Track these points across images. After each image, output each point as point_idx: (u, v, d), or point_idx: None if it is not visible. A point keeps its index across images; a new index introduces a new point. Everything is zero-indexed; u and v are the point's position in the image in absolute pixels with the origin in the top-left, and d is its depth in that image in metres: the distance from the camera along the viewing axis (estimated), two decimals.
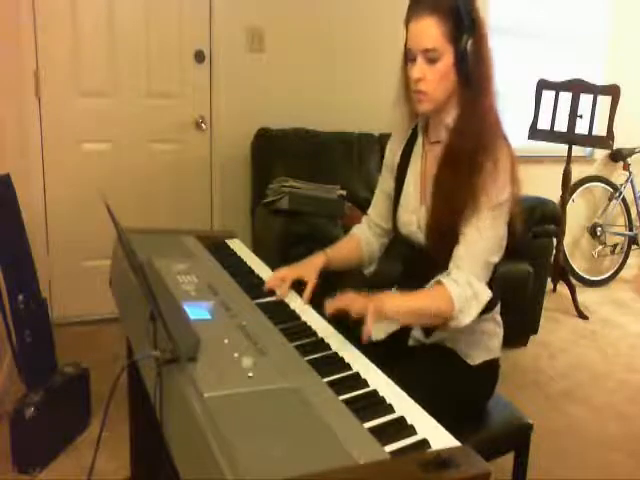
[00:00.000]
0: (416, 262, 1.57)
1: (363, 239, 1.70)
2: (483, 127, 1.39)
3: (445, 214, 1.42)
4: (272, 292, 1.47)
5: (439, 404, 1.03)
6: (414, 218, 1.53)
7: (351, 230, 1.75)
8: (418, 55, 1.37)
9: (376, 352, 1.23)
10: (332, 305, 1.27)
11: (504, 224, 1.41)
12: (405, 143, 1.60)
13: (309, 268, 1.55)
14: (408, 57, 1.41)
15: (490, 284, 1.54)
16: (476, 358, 1.51)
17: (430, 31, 1.35)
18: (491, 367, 1.55)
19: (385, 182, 1.67)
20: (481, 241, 1.37)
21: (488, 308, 1.54)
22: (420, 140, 1.56)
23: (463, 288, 1.34)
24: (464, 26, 1.34)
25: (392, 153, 1.64)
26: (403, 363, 1.40)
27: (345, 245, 1.70)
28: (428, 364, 1.49)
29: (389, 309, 1.30)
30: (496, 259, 1.41)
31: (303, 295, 1.48)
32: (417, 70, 1.38)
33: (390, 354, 1.49)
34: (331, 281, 1.60)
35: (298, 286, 1.53)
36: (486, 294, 1.37)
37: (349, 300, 1.26)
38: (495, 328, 1.57)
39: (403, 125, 1.61)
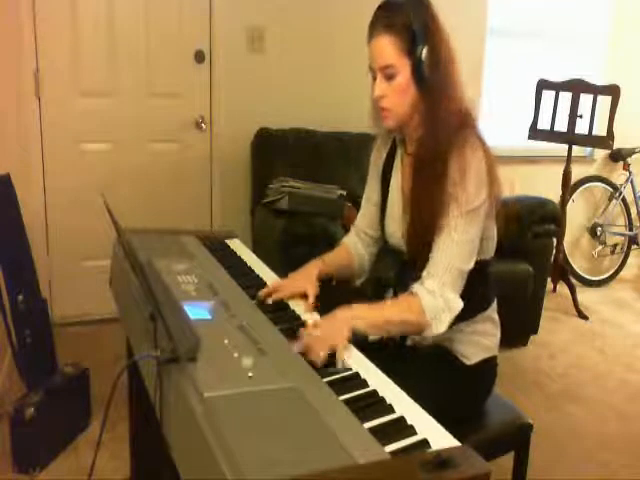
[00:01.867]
0: (405, 270, 1.58)
1: (354, 252, 1.70)
2: (446, 133, 1.38)
3: (420, 224, 1.43)
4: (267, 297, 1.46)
5: (437, 404, 1.03)
6: (398, 229, 1.55)
7: (342, 240, 1.75)
8: (378, 73, 1.40)
9: (374, 352, 1.23)
10: (303, 347, 1.20)
11: (478, 228, 1.40)
12: (385, 155, 1.62)
13: (306, 279, 1.53)
14: (372, 76, 1.43)
15: (486, 282, 1.55)
16: (473, 357, 1.51)
17: (385, 49, 1.37)
18: (489, 366, 1.55)
19: (371, 191, 1.67)
20: (453, 249, 1.37)
21: (484, 307, 1.54)
22: (399, 152, 1.58)
23: (435, 298, 1.34)
24: (417, 36, 1.35)
25: (375, 163, 1.66)
26: (400, 364, 1.40)
27: (339, 254, 1.70)
28: (425, 364, 1.49)
29: (364, 325, 1.30)
30: (469, 266, 1.39)
31: (305, 304, 1.47)
32: (377, 88, 1.40)
33: (388, 354, 1.49)
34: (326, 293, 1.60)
35: None
36: (458, 304, 1.37)
37: (318, 341, 1.20)
38: (492, 327, 1.57)
39: (383, 137, 1.63)
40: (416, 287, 1.37)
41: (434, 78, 1.37)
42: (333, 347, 1.19)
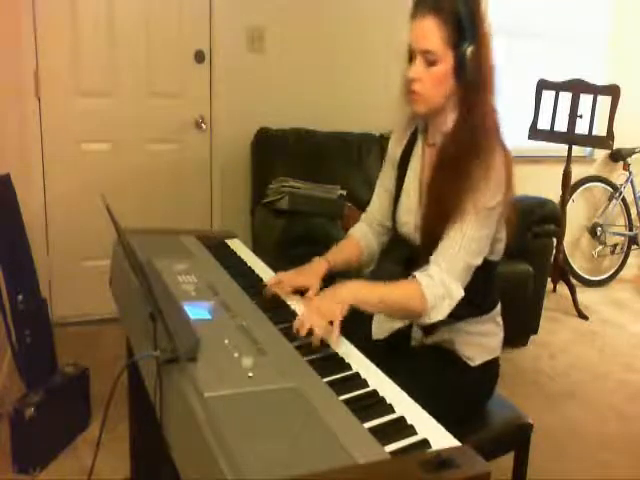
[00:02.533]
0: (414, 262, 1.57)
1: (362, 239, 1.69)
2: (478, 134, 1.38)
3: (436, 218, 1.42)
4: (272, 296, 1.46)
5: (439, 404, 1.03)
6: (412, 219, 1.53)
7: (349, 231, 1.74)
8: (418, 55, 1.36)
9: (377, 352, 1.23)
10: (297, 326, 1.23)
11: (490, 229, 1.40)
12: (406, 143, 1.60)
13: (311, 275, 1.53)
14: (409, 55, 1.40)
15: (492, 283, 1.54)
16: (476, 359, 1.51)
17: (430, 33, 1.33)
18: (491, 367, 1.55)
19: (387, 178, 1.65)
20: (462, 242, 1.36)
21: (488, 309, 1.54)
22: (420, 142, 1.56)
23: (436, 285, 1.34)
24: (465, 32, 1.32)
25: (394, 148, 1.63)
26: (403, 363, 1.40)
27: (344, 247, 1.68)
28: (428, 365, 1.49)
29: (360, 300, 1.32)
30: (477, 262, 1.39)
31: (304, 299, 1.47)
32: (414, 70, 1.37)
33: (391, 354, 1.49)
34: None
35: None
36: (459, 293, 1.37)
37: (311, 317, 1.23)
38: (495, 329, 1.57)
39: (405, 124, 1.60)
40: (418, 273, 1.37)
41: (475, 78, 1.36)
42: (327, 327, 1.22)
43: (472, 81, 1.36)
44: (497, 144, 1.39)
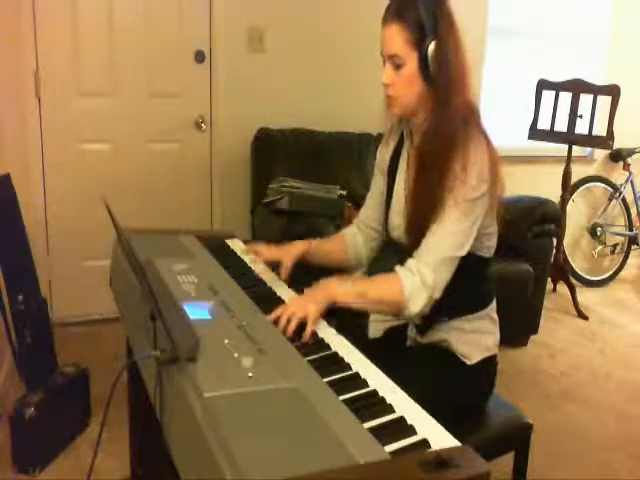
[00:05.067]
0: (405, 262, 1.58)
1: (351, 242, 1.71)
2: (451, 129, 1.39)
3: (418, 215, 1.44)
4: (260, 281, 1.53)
5: (437, 404, 1.03)
6: (402, 222, 1.55)
7: (341, 231, 1.76)
8: (386, 60, 1.42)
9: (373, 351, 1.23)
10: (273, 317, 1.29)
11: (473, 221, 1.39)
12: (393, 149, 1.62)
13: (288, 253, 1.60)
14: (383, 62, 1.45)
15: (485, 279, 1.55)
16: (473, 357, 1.51)
17: (393, 38, 1.38)
18: (488, 365, 1.55)
19: (377, 185, 1.68)
20: (444, 235, 1.37)
21: (482, 306, 1.54)
22: (406, 145, 1.58)
23: (413, 276, 1.36)
24: (426, 30, 1.36)
25: (382, 156, 1.67)
26: (401, 364, 1.40)
27: (330, 242, 1.72)
28: (425, 364, 1.49)
29: (337, 295, 1.34)
30: (459, 254, 1.39)
31: (279, 275, 1.56)
32: (385, 75, 1.42)
33: (387, 354, 1.49)
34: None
35: (294, 283, 1.54)
36: (435, 282, 1.36)
37: (288, 309, 1.28)
38: (491, 326, 1.57)
39: (391, 129, 1.64)
40: (397, 267, 1.39)
41: (441, 73, 1.38)
42: (304, 318, 1.26)
43: (439, 76, 1.38)
44: (475, 136, 1.39)
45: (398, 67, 1.40)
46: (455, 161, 1.36)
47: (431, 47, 1.36)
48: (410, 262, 1.38)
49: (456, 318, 1.49)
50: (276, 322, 1.27)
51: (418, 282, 1.35)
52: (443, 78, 1.39)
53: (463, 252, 1.39)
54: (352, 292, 1.37)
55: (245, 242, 1.81)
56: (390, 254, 1.64)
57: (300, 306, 1.28)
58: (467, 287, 1.42)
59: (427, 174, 1.42)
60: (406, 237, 1.52)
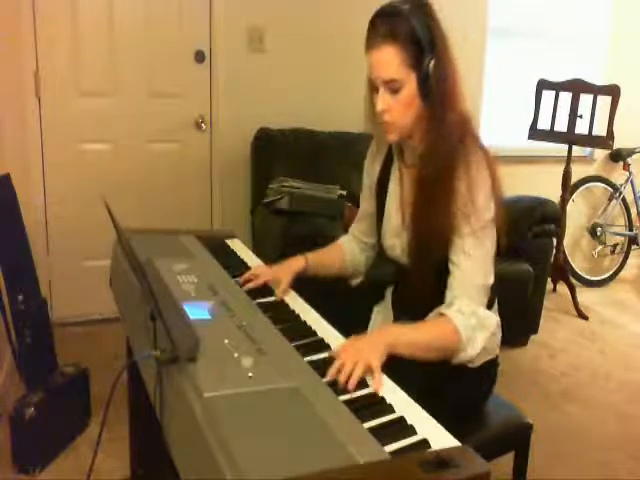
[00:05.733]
0: (404, 282, 1.58)
1: (348, 251, 1.70)
2: (450, 147, 1.34)
3: (425, 240, 1.40)
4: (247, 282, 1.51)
5: (439, 404, 1.03)
6: (397, 242, 1.53)
7: (338, 240, 1.75)
8: (380, 85, 1.33)
9: None
10: (334, 371, 1.11)
11: (491, 242, 1.38)
12: (381, 166, 1.59)
13: (286, 270, 1.55)
14: (371, 87, 1.38)
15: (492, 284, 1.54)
16: (477, 361, 1.51)
17: (389, 61, 1.30)
18: (490, 367, 1.55)
19: (366, 202, 1.66)
20: (473, 266, 1.35)
21: (488, 306, 1.54)
22: (396, 163, 1.54)
23: (467, 318, 1.32)
24: (424, 49, 1.29)
25: (369, 175, 1.63)
26: (401, 364, 1.40)
27: (328, 253, 1.70)
28: (426, 365, 1.49)
29: (398, 347, 1.24)
30: (491, 280, 1.38)
31: (277, 290, 1.50)
32: (381, 101, 1.34)
33: (389, 357, 1.49)
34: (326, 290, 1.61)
35: (297, 286, 1.54)
36: (491, 319, 1.36)
37: (349, 361, 1.11)
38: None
39: (377, 147, 1.60)
40: (445, 309, 1.33)
41: (438, 90, 1.32)
42: (368, 367, 1.12)
43: (437, 93, 1.33)
44: (473, 150, 1.35)
45: (395, 91, 1.32)
46: (459, 180, 1.33)
47: (432, 63, 1.30)
48: (459, 303, 1.33)
49: None
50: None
51: (474, 323, 1.32)
52: (440, 94, 1.33)
53: (492, 279, 1.38)
54: (410, 344, 1.28)
55: (246, 267, 1.69)
56: (387, 267, 1.64)
57: (363, 356, 1.12)
58: None
59: (430, 197, 1.37)
60: (408, 258, 1.49)
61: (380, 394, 1.07)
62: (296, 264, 1.59)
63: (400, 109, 1.34)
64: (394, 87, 1.32)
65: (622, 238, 4.53)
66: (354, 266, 1.71)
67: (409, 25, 1.29)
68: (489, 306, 1.54)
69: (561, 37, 4.14)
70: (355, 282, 1.74)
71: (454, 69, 1.36)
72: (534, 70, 3.89)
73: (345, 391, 1.05)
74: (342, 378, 1.07)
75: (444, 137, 1.35)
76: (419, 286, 1.43)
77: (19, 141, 2.97)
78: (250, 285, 1.49)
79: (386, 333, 1.29)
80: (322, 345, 1.23)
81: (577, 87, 3.63)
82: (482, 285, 1.36)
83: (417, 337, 1.30)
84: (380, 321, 1.64)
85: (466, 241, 1.34)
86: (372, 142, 1.63)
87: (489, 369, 1.55)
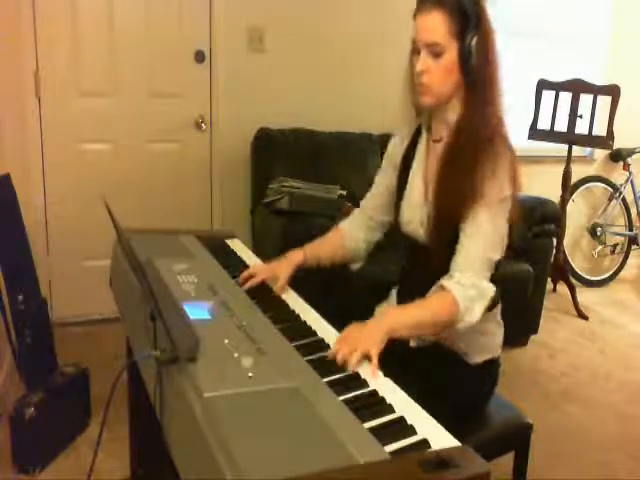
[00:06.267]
0: (418, 257, 1.57)
1: (347, 235, 1.70)
2: (484, 127, 1.39)
3: (446, 211, 1.42)
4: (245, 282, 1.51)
5: (439, 404, 1.03)
6: (417, 215, 1.53)
7: (339, 224, 1.74)
8: (423, 48, 1.39)
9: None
10: (331, 354, 1.18)
11: (504, 221, 1.40)
12: (408, 142, 1.60)
13: (284, 265, 1.56)
14: (414, 50, 1.43)
15: (494, 280, 1.54)
16: (476, 357, 1.51)
17: (435, 26, 1.36)
18: (491, 366, 1.55)
19: (386, 176, 1.66)
20: (481, 237, 1.37)
21: (490, 307, 1.54)
22: (424, 138, 1.56)
23: (466, 289, 1.34)
24: (469, 23, 1.36)
25: (395, 148, 1.64)
26: (403, 363, 1.40)
27: (326, 241, 1.70)
28: (428, 364, 1.49)
29: (397, 330, 1.27)
30: (497, 256, 1.40)
31: (276, 286, 1.51)
32: (421, 63, 1.39)
33: (389, 354, 1.49)
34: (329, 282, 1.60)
35: (295, 284, 1.54)
36: (490, 290, 1.37)
37: (347, 346, 1.17)
38: (496, 328, 1.57)
39: (408, 121, 1.61)
40: (445, 282, 1.35)
41: (480, 67, 1.38)
42: (365, 353, 1.15)
43: (477, 73, 1.38)
44: (502, 143, 1.40)
45: (436, 55, 1.37)
46: (485, 161, 1.36)
47: (474, 40, 1.36)
48: (460, 276, 1.35)
49: None
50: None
51: (473, 294, 1.34)
52: (483, 75, 1.39)
53: (500, 254, 1.40)
54: (410, 324, 1.32)
55: (245, 267, 1.68)
56: (402, 245, 1.63)
57: (361, 343, 1.17)
58: None
59: (456, 169, 1.40)
60: (426, 232, 1.50)
61: (374, 386, 1.07)
62: (294, 258, 1.60)
63: (439, 73, 1.39)
64: (435, 51, 1.37)
65: (622, 238, 4.53)
66: (353, 250, 1.70)
67: None
68: (493, 306, 1.55)
69: (561, 37, 4.14)
70: (355, 267, 1.73)
71: (497, 57, 1.41)
72: (534, 70, 3.89)
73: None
74: (338, 360, 1.13)
75: (481, 115, 1.40)
76: (434, 262, 1.43)
77: (19, 141, 2.97)
78: (248, 285, 1.49)
79: (386, 318, 1.31)
80: (322, 345, 1.23)
81: (577, 87, 3.63)
82: (487, 258, 1.38)
83: (417, 317, 1.34)
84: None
85: (480, 213, 1.37)
86: (400, 122, 1.64)
87: (490, 369, 1.56)
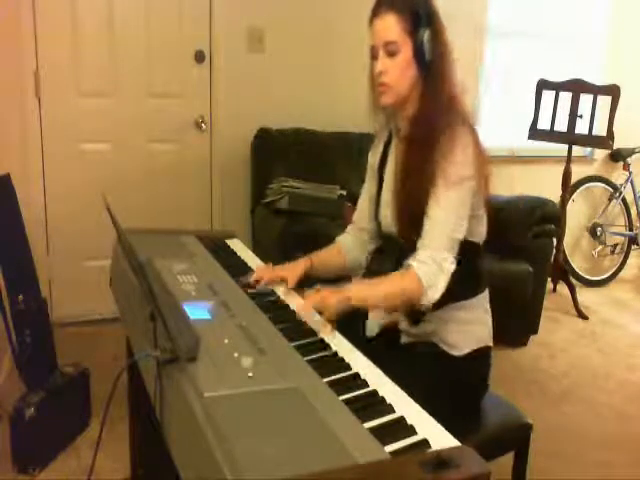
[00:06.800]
0: (399, 256, 1.58)
1: (344, 248, 1.74)
2: (440, 114, 1.45)
3: (407, 197, 1.48)
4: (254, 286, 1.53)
5: (434, 401, 1.03)
6: (389, 212, 1.58)
7: (336, 239, 1.78)
8: (380, 50, 1.46)
9: (369, 351, 1.23)
10: (305, 306, 1.34)
11: (465, 201, 1.44)
12: (382, 147, 1.66)
13: (292, 270, 1.59)
14: (372, 55, 1.50)
15: (476, 266, 1.56)
16: (464, 347, 1.52)
17: (389, 26, 1.44)
18: (480, 356, 1.55)
19: (369, 186, 1.72)
20: (442, 215, 1.42)
21: (475, 292, 1.55)
22: (394, 141, 1.62)
23: (428, 265, 1.39)
24: (421, 20, 1.44)
25: (373, 158, 1.71)
26: (395, 361, 1.40)
27: (330, 253, 1.74)
28: (416, 359, 1.50)
29: (355, 296, 1.36)
30: (460, 235, 1.44)
31: (283, 288, 1.54)
32: (379, 64, 1.47)
33: (382, 353, 1.49)
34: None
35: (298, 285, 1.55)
36: (451, 264, 1.41)
37: (315, 298, 1.33)
38: (484, 317, 1.58)
39: (379, 130, 1.69)
40: (409, 260, 1.42)
41: (434, 61, 1.45)
42: (320, 308, 1.31)
43: (431, 65, 1.45)
44: (462, 124, 1.45)
45: (392, 54, 1.45)
46: (442, 143, 1.42)
47: (426, 35, 1.43)
48: (419, 253, 1.41)
49: (448, 305, 1.49)
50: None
51: (434, 269, 1.39)
52: (436, 66, 1.46)
53: (461, 234, 1.44)
54: (373, 294, 1.41)
55: (246, 267, 1.71)
56: (388, 254, 1.65)
57: (319, 298, 1.33)
58: (458, 273, 1.43)
59: (414, 154, 1.47)
60: (395, 222, 1.55)
61: (374, 387, 1.07)
62: (302, 265, 1.63)
63: (396, 72, 1.46)
64: (392, 50, 1.45)
65: (622, 238, 4.53)
66: (354, 262, 1.74)
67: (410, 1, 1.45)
68: (478, 292, 1.57)
69: (561, 37, 4.14)
70: (355, 278, 1.75)
71: (448, 50, 1.49)
72: (534, 70, 3.89)
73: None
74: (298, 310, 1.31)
75: (436, 103, 1.46)
76: (405, 253, 1.47)
77: (19, 141, 2.97)
78: (260, 283, 1.52)
79: (349, 287, 1.40)
80: (322, 345, 1.24)
81: (577, 87, 3.63)
82: (448, 235, 1.42)
83: (379, 288, 1.42)
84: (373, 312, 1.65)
85: (440, 193, 1.42)
86: (375, 135, 1.72)
87: (480, 359, 1.56)
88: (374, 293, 1.42)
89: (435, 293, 1.39)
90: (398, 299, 1.43)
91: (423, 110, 1.48)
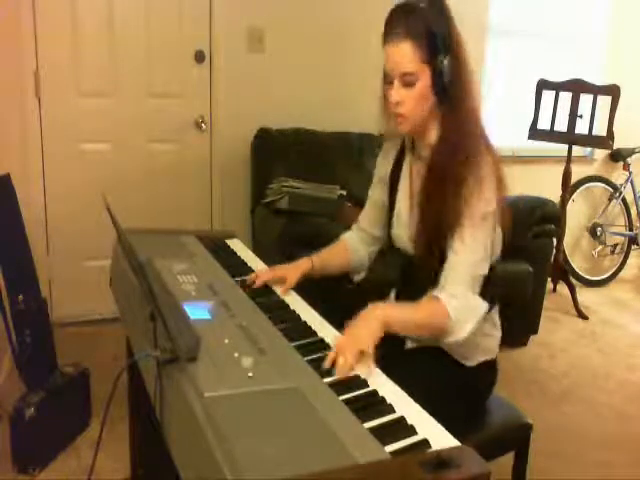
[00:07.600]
0: (411, 272, 1.60)
1: (350, 247, 1.72)
2: (463, 143, 1.40)
3: (430, 229, 1.44)
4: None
5: (435, 406, 1.03)
6: (404, 232, 1.56)
7: (341, 236, 1.77)
8: (395, 78, 1.39)
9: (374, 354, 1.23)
10: (329, 362, 1.16)
11: (490, 235, 1.41)
12: (394, 160, 1.62)
13: (292, 270, 1.57)
14: (386, 79, 1.43)
15: (489, 284, 1.54)
16: (472, 359, 1.51)
17: (405, 56, 1.36)
18: (488, 368, 1.55)
19: (376, 192, 1.69)
20: (468, 254, 1.38)
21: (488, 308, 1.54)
22: (408, 157, 1.58)
23: (459, 301, 1.35)
24: (439, 46, 1.35)
25: (383, 167, 1.66)
26: (400, 366, 1.40)
27: (332, 252, 1.72)
28: (424, 367, 1.49)
29: (390, 325, 1.30)
30: (485, 271, 1.41)
31: (281, 288, 1.52)
32: (395, 94, 1.39)
33: (387, 356, 1.49)
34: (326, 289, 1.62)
35: (298, 285, 1.54)
36: (482, 307, 1.39)
37: (343, 351, 1.17)
38: (492, 329, 1.57)
39: (391, 142, 1.64)
40: (438, 292, 1.37)
41: (454, 88, 1.38)
42: (362, 350, 1.18)
43: (450, 92, 1.38)
44: (484, 148, 1.41)
45: (409, 85, 1.37)
46: (468, 176, 1.37)
47: (445, 62, 1.36)
48: (451, 288, 1.37)
49: None
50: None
51: (466, 308, 1.35)
52: (456, 92, 1.39)
53: (486, 270, 1.41)
54: (402, 319, 1.35)
55: (246, 267, 1.69)
56: (393, 260, 1.65)
57: (357, 343, 1.19)
58: None
59: (439, 184, 1.41)
60: (413, 248, 1.52)
61: (374, 386, 1.07)
62: (303, 265, 1.61)
63: (413, 102, 1.39)
64: (408, 81, 1.37)
65: (622, 238, 4.53)
66: (358, 261, 1.73)
67: (426, 23, 1.35)
68: (490, 308, 1.54)
69: (561, 37, 4.14)
70: (358, 278, 1.75)
71: (468, 70, 1.41)
72: (534, 70, 3.89)
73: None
74: (337, 372, 1.12)
75: (459, 131, 1.40)
76: (423, 277, 1.45)
77: (19, 141, 2.97)
78: (257, 283, 1.51)
79: (380, 312, 1.31)
80: (322, 345, 1.24)
81: (577, 87, 3.63)
82: (475, 274, 1.39)
83: (410, 315, 1.37)
84: None
85: (465, 229, 1.38)
86: (384, 138, 1.67)
87: (487, 371, 1.56)
88: (409, 323, 1.37)
89: (463, 332, 1.36)
90: (425, 330, 1.40)
91: (446, 137, 1.42)
